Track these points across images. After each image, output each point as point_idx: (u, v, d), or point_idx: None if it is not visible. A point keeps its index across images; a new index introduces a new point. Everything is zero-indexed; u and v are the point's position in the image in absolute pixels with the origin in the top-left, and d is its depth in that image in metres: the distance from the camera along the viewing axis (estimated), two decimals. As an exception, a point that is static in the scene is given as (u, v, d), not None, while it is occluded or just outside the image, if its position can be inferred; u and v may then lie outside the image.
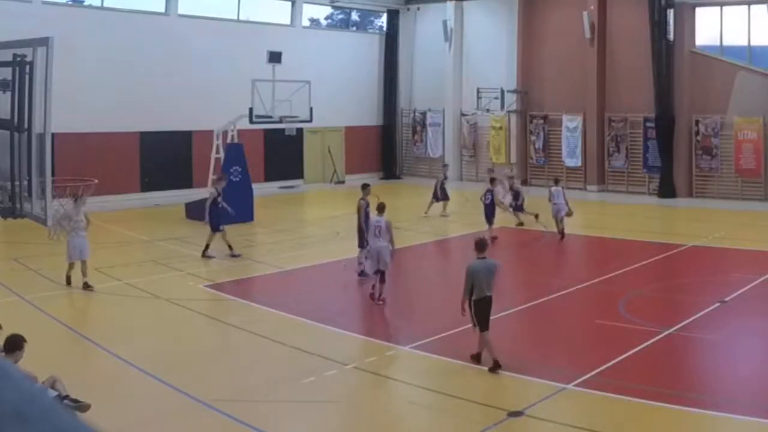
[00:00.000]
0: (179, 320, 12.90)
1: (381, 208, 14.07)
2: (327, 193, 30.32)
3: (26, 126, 8.56)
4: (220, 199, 17.71)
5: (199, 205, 22.73)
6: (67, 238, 14.72)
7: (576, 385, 9.32)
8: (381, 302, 13.56)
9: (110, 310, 13.63)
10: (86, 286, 14.32)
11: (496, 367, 9.92)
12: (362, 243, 15.36)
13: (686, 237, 19.68)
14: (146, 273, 16.00)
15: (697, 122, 26.65)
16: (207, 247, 17.40)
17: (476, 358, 10.27)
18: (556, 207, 19.95)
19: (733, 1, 26.16)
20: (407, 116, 35.15)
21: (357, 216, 15.86)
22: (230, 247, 17.42)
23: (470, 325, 10.23)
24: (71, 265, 14.51)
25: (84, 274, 14.34)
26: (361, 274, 15.29)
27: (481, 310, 10.09)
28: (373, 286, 13.72)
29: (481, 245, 10.58)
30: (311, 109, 23.87)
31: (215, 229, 17.33)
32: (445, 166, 26.13)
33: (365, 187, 16.25)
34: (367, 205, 15.52)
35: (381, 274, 13.63)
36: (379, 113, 35.04)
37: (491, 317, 10.15)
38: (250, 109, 22.55)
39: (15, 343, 7.70)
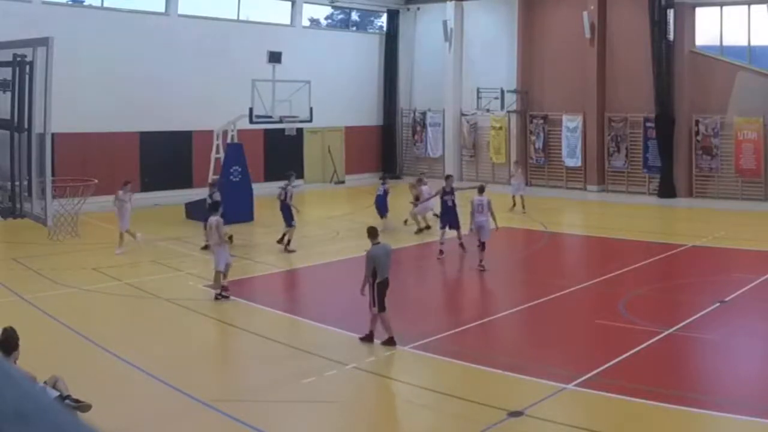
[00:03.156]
0: (179, 320, 12.89)
1: (481, 189, 16.54)
2: (327, 193, 30.29)
3: (26, 126, 8.56)
4: (284, 197, 18.76)
5: (199, 205, 22.76)
6: (220, 250, 13.96)
7: (576, 385, 9.31)
8: (481, 268, 15.58)
9: (110, 310, 13.63)
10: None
11: (390, 342, 10.81)
12: (443, 224, 17.60)
13: (686, 237, 19.67)
14: (146, 273, 16.01)
15: (697, 122, 26.63)
16: (289, 242, 18.36)
17: (368, 338, 10.98)
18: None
19: (733, 1, 26.14)
20: (407, 116, 35.11)
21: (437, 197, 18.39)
22: (288, 242, 18.35)
23: (468, 324, 10.25)
24: (219, 275, 13.94)
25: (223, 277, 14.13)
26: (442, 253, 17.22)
27: (382, 292, 10.81)
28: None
29: (372, 232, 11.40)
30: (311, 109, 23.83)
31: (288, 224, 18.41)
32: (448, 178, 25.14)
33: (448, 177, 19.00)
34: (444, 192, 17.72)
35: (482, 244, 15.70)
36: (379, 113, 35.01)
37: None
38: (250, 109, 22.53)
39: (11, 343, 7.67)
